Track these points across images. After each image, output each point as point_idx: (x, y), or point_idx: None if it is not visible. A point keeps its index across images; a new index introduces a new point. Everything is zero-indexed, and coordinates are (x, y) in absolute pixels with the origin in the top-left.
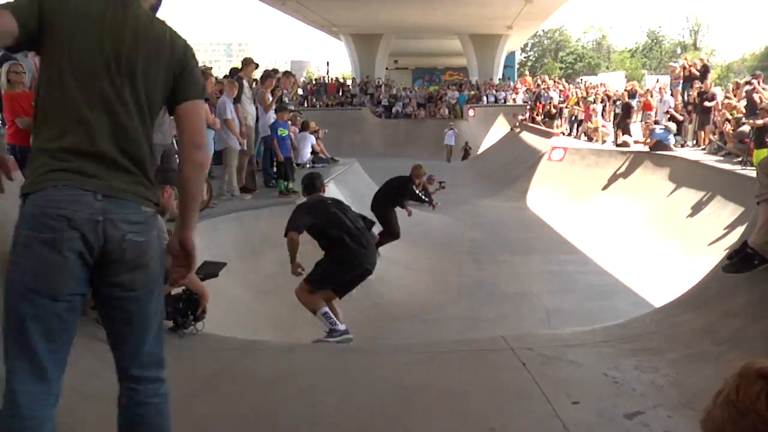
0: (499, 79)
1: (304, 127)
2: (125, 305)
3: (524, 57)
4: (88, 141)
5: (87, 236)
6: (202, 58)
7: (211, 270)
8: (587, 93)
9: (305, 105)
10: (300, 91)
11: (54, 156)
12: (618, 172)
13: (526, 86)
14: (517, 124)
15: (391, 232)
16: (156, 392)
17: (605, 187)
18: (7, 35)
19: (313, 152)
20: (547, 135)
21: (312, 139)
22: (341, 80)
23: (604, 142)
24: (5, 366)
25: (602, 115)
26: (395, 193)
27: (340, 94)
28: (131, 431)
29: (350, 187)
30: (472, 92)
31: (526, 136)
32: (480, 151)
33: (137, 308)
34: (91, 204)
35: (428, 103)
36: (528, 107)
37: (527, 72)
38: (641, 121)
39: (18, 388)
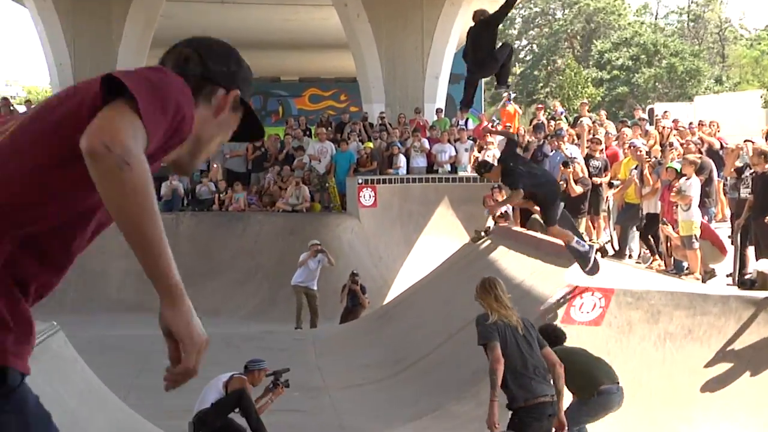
0: (439, 111)
1: None
2: None
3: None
4: None
5: None
6: None
7: None
8: (664, 146)
9: None
10: None
11: None
12: (741, 349)
13: (506, 127)
14: (487, 228)
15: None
16: None
17: (710, 387)
18: None
19: None
20: (562, 256)
21: None
22: (26, 108)
23: (708, 275)
24: None
25: (704, 202)
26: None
27: None
28: None
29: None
30: (369, 144)
31: (509, 259)
32: (390, 294)
33: None
34: None
35: (257, 171)
36: (486, 195)
37: (507, 92)
38: None
39: None
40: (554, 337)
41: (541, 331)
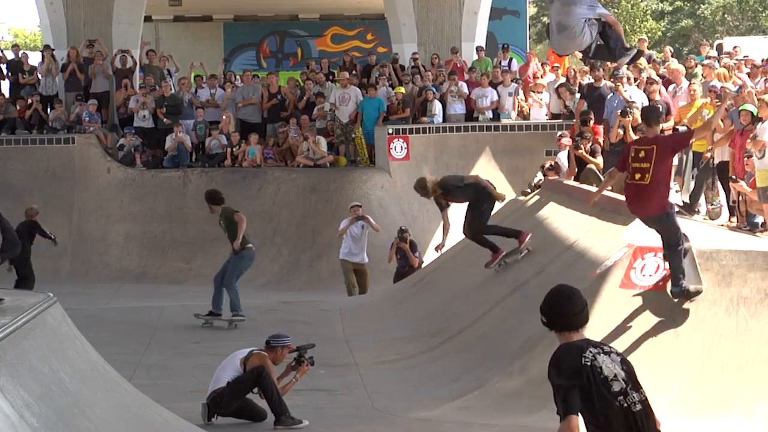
0: (479, 50)
1: None
2: None
3: None
4: None
5: None
6: None
7: None
8: (732, 84)
9: None
10: None
11: None
12: None
13: (555, 72)
14: (534, 183)
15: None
16: None
17: None
18: None
19: None
20: (621, 212)
21: None
22: (13, 53)
23: None
24: None
25: None
26: None
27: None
28: None
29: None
30: (400, 89)
31: (561, 217)
32: (426, 259)
33: None
34: None
35: (273, 122)
36: (563, 135)
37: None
38: None
39: None
40: None
41: None
